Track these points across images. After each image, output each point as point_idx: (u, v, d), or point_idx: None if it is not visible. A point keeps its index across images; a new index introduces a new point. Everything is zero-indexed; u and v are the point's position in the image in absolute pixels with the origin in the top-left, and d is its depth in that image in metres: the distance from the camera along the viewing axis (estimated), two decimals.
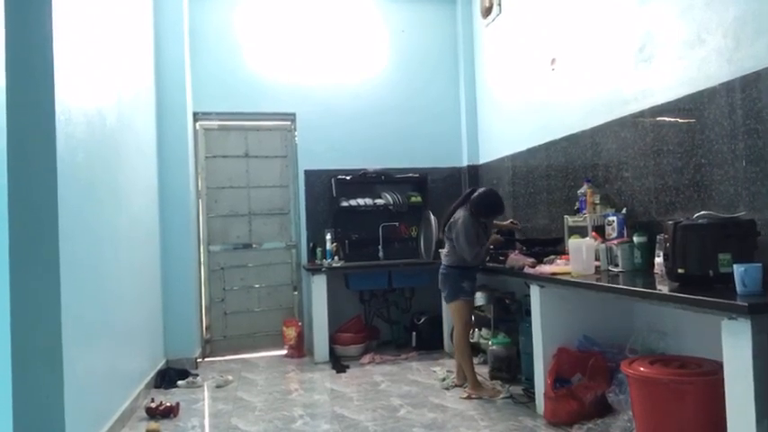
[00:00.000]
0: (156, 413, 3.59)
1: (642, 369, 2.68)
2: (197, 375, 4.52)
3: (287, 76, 5.59)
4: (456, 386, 4.04)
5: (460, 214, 3.89)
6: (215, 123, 5.57)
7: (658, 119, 3.22)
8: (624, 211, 3.42)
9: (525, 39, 4.78)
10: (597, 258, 3.28)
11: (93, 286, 3.05)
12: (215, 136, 5.60)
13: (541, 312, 3.35)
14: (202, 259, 5.45)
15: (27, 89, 1.59)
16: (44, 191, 1.69)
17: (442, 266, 4.04)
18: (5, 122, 1.45)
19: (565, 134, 4.18)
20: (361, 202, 5.53)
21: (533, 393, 3.50)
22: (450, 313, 4.07)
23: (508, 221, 4.60)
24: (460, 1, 5.88)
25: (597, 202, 3.63)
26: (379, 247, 5.55)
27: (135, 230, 4.03)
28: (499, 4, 5.22)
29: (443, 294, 4.04)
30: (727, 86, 2.74)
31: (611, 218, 3.40)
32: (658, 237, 2.88)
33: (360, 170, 5.55)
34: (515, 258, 3.77)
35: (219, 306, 5.51)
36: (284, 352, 5.35)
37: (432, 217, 5.37)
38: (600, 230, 3.48)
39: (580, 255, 3.16)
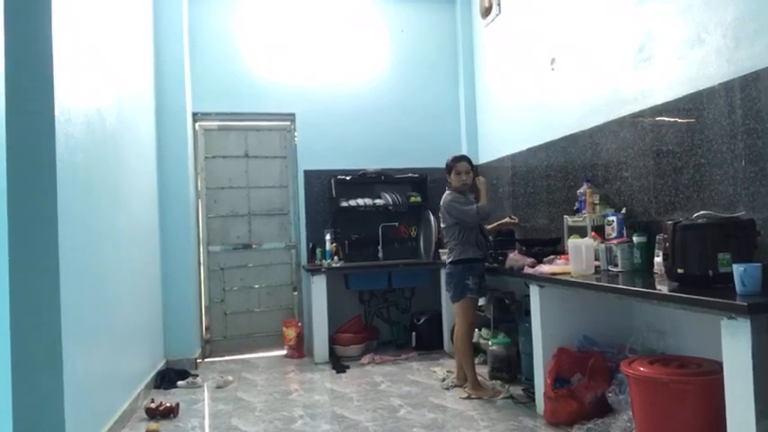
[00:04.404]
0: (155, 413, 3.59)
1: (642, 369, 2.68)
2: (197, 376, 4.52)
3: (286, 77, 5.59)
4: (456, 386, 4.04)
5: (444, 198, 4.00)
6: (214, 124, 5.58)
7: (658, 119, 3.23)
8: (624, 210, 3.42)
9: (525, 39, 4.79)
10: (597, 258, 3.28)
11: (93, 287, 3.05)
12: (214, 136, 5.60)
13: (541, 312, 3.35)
14: (202, 259, 5.45)
15: (26, 90, 1.59)
16: (44, 191, 1.69)
17: (446, 267, 4.05)
18: (5, 123, 1.45)
19: (564, 134, 4.18)
20: (360, 202, 5.54)
21: (533, 393, 3.50)
22: (454, 313, 4.07)
23: (505, 219, 4.60)
24: (460, 1, 5.89)
25: (597, 201, 3.63)
26: (379, 247, 5.55)
27: (135, 231, 4.03)
28: (499, 5, 5.22)
29: (449, 295, 4.02)
30: (727, 86, 2.75)
31: (610, 218, 3.41)
32: (658, 237, 2.88)
33: (359, 170, 5.55)
34: (515, 258, 3.77)
35: (219, 306, 5.51)
36: (284, 352, 5.35)
37: (431, 217, 5.37)
38: (599, 230, 3.48)
39: (580, 255, 3.17)
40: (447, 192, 4.02)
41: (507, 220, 4.56)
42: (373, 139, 5.73)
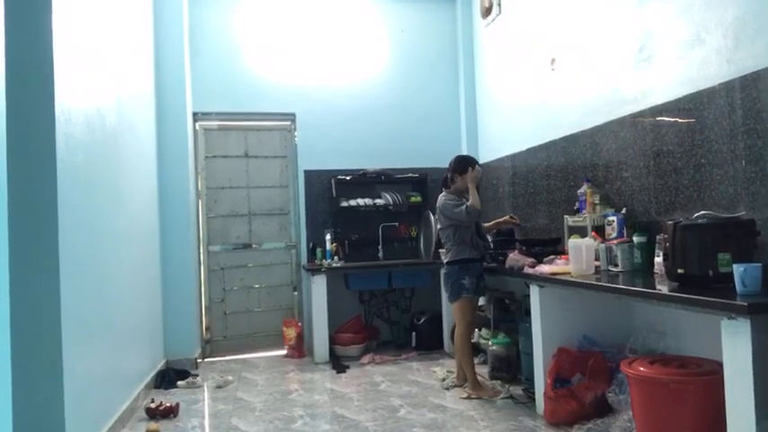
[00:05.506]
0: (155, 413, 3.59)
1: (642, 369, 2.68)
2: (197, 376, 4.52)
3: (287, 76, 5.59)
4: (456, 386, 4.04)
5: (439, 200, 4.00)
6: (215, 123, 5.58)
7: (658, 119, 3.23)
8: (624, 210, 3.42)
9: (525, 39, 4.79)
10: (597, 258, 3.28)
11: (93, 286, 3.05)
12: (215, 136, 5.60)
13: (541, 312, 3.35)
14: (202, 259, 5.45)
15: (27, 90, 1.59)
16: (44, 191, 1.69)
17: (443, 267, 4.06)
18: (5, 123, 1.45)
19: (564, 134, 4.18)
20: (360, 202, 5.54)
21: (533, 393, 3.50)
22: (452, 313, 4.08)
23: (506, 216, 4.60)
24: (460, 1, 5.89)
25: (597, 201, 3.63)
26: (379, 247, 5.55)
27: (135, 230, 4.03)
28: (499, 5, 5.22)
29: (447, 295, 4.05)
30: (727, 86, 2.75)
31: (610, 218, 3.41)
32: (658, 237, 2.88)
33: (359, 170, 5.55)
34: (515, 258, 3.77)
35: (219, 306, 5.51)
36: (284, 352, 5.35)
37: (431, 217, 5.37)
38: (600, 230, 3.48)
39: (580, 255, 3.16)
40: (442, 193, 4.02)
41: (507, 218, 4.56)
42: (373, 139, 5.73)
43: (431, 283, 5.30)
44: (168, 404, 3.66)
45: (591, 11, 3.86)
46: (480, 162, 5.64)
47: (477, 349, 4.47)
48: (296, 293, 5.66)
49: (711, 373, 2.46)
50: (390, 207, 5.57)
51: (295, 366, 4.96)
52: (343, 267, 5.20)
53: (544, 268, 3.40)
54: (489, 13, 5.40)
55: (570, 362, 3.23)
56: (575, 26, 4.05)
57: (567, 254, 3.32)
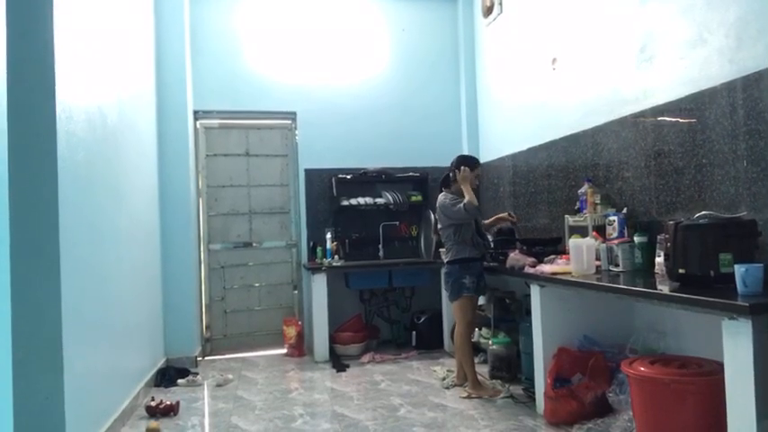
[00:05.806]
0: (156, 412, 3.59)
1: (642, 369, 2.68)
2: (197, 374, 4.52)
3: (288, 75, 5.59)
4: (456, 385, 4.04)
5: (439, 200, 4.02)
6: (216, 122, 5.57)
7: (659, 119, 3.22)
8: (625, 210, 3.42)
9: (526, 38, 4.78)
10: (598, 258, 3.28)
11: (94, 285, 3.05)
12: (215, 134, 5.60)
13: (542, 312, 3.35)
14: (203, 258, 5.45)
15: (28, 88, 1.58)
16: (45, 189, 1.68)
17: (444, 267, 4.07)
18: (6, 121, 1.45)
19: (565, 134, 4.18)
20: (361, 201, 5.54)
21: (533, 393, 3.50)
22: (453, 312, 4.08)
23: (505, 213, 4.60)
24: (461, 0, 5.88)
25: (598, 201, 3.63)
26: (380, 246, 5.55)
27: (135, 229, 4.03)
28: (500, 4, 5.21)
29: (447, 294, 4.05)
30: (729, 86, 2.74)
31: (611, 218, 3.40)
32: (659, 237, 2.87)
33: (360, 169, 5.55)
34: (516, 258, 3.77)
35: (220, 305, 5.52)
36: (284, 351, 5.35)
37: (432, 216, 5.37)
38: (600, 230, 3.48)
39: (581, 254, 3.16)
40: (442, 193, 4.01)
41: (505, 215, 4.56)
42: (374, 138, 5.72)
43: (431, 283, 5.30)
44: (168, 402, 3.67)
45: (592, 11, 3.85)
46: (481, 161, 5.63)
47: (477, 349, 4.47)
48: (296, 292, 5.67)
49: (712, 374, 2.46)
50: (391, 206, 5.57)
51: (295, 365, 4.96)
52: (344, 266, 5.19)
53: (545, 268, 3.40)
54: (490, 13, 5.39)
55: (570, 362, 3.23)
56: (576, 26, 4.04)
57: (568, 254, 3.32)
